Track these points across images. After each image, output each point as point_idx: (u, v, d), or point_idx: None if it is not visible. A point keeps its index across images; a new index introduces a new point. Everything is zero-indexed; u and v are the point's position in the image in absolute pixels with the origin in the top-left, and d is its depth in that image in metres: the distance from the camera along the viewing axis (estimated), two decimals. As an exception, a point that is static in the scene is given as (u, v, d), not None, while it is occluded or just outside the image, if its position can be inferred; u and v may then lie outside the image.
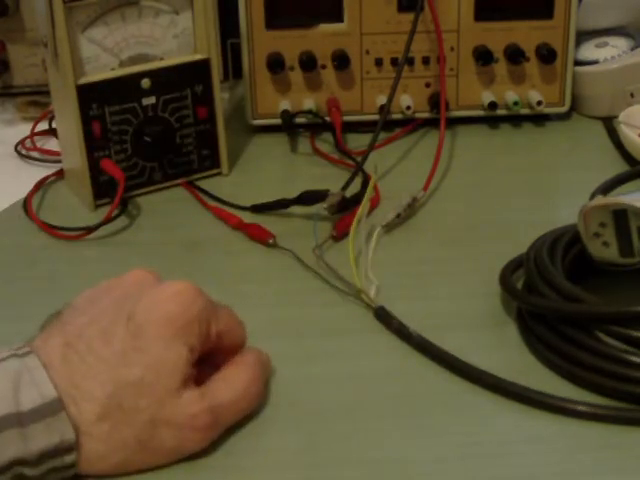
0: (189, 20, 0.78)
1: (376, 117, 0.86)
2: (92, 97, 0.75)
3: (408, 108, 0.88)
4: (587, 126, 0.90)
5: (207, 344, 0.54)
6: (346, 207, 0.74)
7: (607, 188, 0.69)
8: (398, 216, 0.74)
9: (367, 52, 0.87)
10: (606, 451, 0.54)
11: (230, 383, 0.55)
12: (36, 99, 0.96)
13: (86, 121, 0.76)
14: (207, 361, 0.56)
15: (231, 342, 0.56)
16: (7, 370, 0.50)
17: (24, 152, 0.88)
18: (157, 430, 0.52)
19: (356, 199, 0.73)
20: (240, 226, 0.75)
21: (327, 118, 0.87)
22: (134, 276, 0.56)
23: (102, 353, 0.51)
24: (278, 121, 0.87)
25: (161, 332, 0.52)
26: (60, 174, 0.83)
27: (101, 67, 0.76)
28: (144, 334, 0.52)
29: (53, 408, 0.49)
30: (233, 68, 0.97)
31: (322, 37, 0.86)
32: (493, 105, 0.88)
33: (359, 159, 0.79)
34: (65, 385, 0.50)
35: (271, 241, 0.73)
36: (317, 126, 0.89)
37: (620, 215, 0.61)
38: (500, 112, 0.89)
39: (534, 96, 0.88)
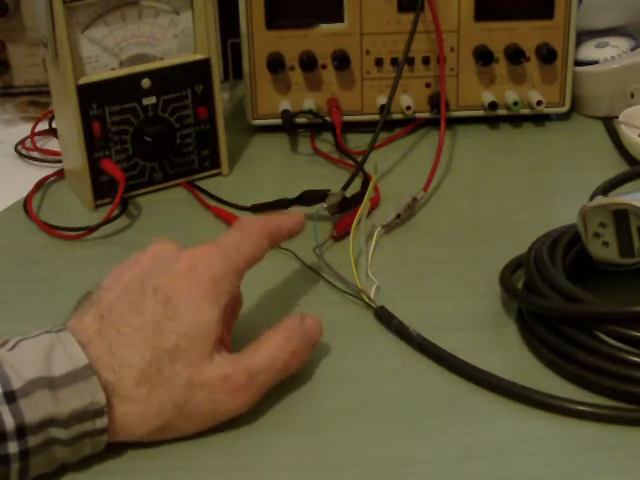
0: (189, 20, 0.78)
1: (376, 117, 0.86)
2: (92, 97, 0.75)
3: (408, 108, 0.88)
4: (587, 126, 0.90)
5: (240, 279, 0.57)
6: (346, 207, 0.74)
7: (607, 188, 0.69)
8: (398, 216, 0.74)
9: (367, 52, 0.87)
10: (606, 451, 0.54)
11: (263, 345, 0.56)
12: (36, 99, 0.96)
13: (86, 121, 0.76)
14: None
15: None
16: (40, 342, 0.51)
17: (24, 152, 0.88)
18: (193, 393, 0.53)
19: (356, 199, 0.73)
20: (240, 226, 0.75)
21: (327, 118, 0.87)
22: (154, 249, 0.57)
23: (135, 324, 0.52)
24: (278, 121, 0.87)
25: (190, 299, 0.53)
26: (60, 174, 0.83)
27: (101, 67, 0.76)
28: (173, 303, 0.53)
29: (84, 374, 0.50)
30: (233, 68, 0.97)
31: (322, 37, 0.86)
32: (493, 105, 0.88)
33: (359, 159, 0.79)
34: (103, 354, 0.51)
35: (271, 241, 0.73)
36: (317, 126, 0.89)
37: (620, 215, 0.61)
38: (500, 112, 0.89)
39: (534, 96, 0.88)
